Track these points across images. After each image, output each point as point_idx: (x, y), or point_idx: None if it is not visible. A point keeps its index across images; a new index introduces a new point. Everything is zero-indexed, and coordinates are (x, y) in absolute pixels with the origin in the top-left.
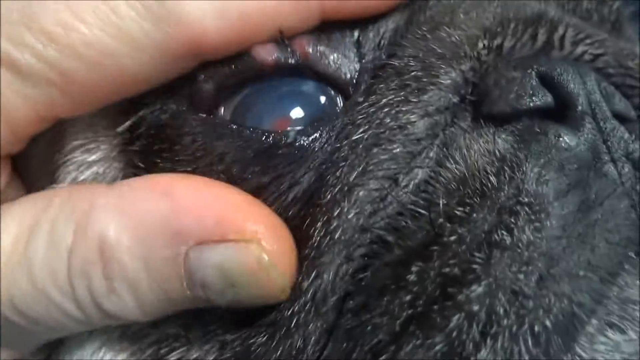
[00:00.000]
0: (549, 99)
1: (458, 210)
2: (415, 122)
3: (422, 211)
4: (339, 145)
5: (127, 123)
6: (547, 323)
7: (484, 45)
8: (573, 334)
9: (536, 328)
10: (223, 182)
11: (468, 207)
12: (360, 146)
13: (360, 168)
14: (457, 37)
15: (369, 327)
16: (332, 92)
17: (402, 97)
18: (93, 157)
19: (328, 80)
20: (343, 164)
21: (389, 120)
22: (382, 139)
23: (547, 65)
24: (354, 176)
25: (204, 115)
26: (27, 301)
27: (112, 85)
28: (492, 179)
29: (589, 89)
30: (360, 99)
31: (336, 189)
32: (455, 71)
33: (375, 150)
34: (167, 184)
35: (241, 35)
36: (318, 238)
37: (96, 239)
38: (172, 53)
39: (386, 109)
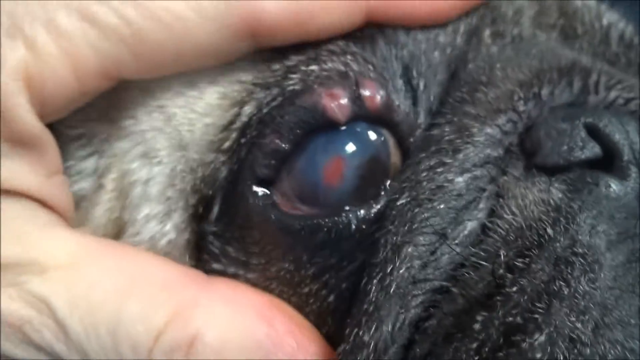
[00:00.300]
0: (597, 150)
1: (518, 262)
2: (453, 179)
3: (484, 263)
4: (388, 212)
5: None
6: None
7: (519, 97)
8: None
9: None
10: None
11: (527, 258)
12: (405, 209)
13: (406, 227)
14: (493, 95)
15: None
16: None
17: (437, 160)
18: (167, 227)
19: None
20: (391, 227)
21: (426, 183)
22: (423, 199)
23: (592, 116)
24: (400, 235)
25: (263, 205)
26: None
27: (177, 51)
28: (549, 230)
29: (632, 138)
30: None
31: (387, 249)
32: (491, 127)
33: (417, 210)
34: (268, 310)
35: (295, 20)
36: (375, 294)
37: (191, 334)
38: (233, 26)
39: (424, 174)
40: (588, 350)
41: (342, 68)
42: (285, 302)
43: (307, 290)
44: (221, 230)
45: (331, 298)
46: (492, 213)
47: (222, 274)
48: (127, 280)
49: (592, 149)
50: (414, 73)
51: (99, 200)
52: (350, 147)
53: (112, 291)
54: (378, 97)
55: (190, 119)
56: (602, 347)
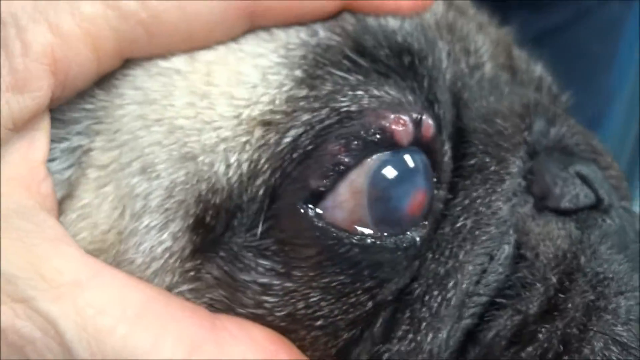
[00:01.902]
0: (593, 197)
1: (566, 284)
2: (501, 207)
3: (536, 283)
4: (442, 232)
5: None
6: None
7: (524, 128)
8: None
9: None
10: None
11: (573, 282)
12: (465, 231)
13: (468, 247)
14: (511, 129)
15: None
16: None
17: (490, 189)
18: (165, 236)
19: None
20: (451, 245)
21: (483, 209)
22: (481, 224)
23: (578, 165)
24: (462, 254)
25: (322, 224)
26: None
27: (188, 30)
28: (583, 258)
29: (604, 185)
30: (443, 193)
31: (449, 265)
32: (518, 159)
33: (477, 232)
34: (273, 345)
35: (287, 4)
36: (435, 305)
37: None
38: (235, 6)
39: (479, 200)
40: (635, 352)
41: (393, 97)
42: (323, 308)
43: (354, 300)
44: (252, 244)
45: (372, 307)
46: (522, 244)
47: (250, 282)
48: (136, 310)
49: (590, 197)
50: (435, 102)
51: (98, 207)
52: (426, 178)
53: (121, 318)
54: (431, 126)
55: (200, 131)
56: None
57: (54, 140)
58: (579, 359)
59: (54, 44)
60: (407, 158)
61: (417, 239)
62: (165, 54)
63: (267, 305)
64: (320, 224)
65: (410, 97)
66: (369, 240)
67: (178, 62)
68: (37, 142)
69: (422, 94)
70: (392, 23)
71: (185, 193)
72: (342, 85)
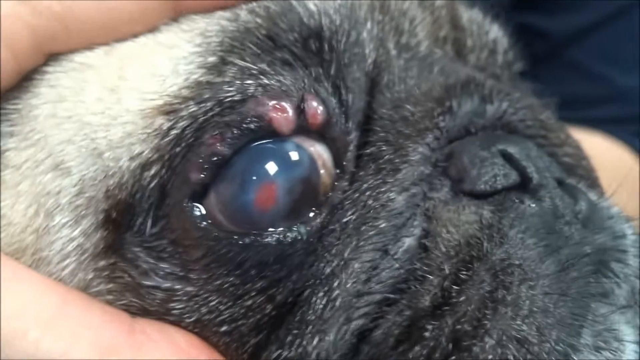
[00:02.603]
0: (516, 177)
1: (461, 274)
2: (394, 198)
3: (429, 276)
4: (332, 227)
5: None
6: None
7: (438, 113)
8: None
9: None
10: None
11: (470, 271)
12: (350, 226)
13: (353, 244)
14: (419, 114)
15: None
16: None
17: (381, 180)
18: (75, 233)
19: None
20: (337, 242)
21: (371, 202)
22: (368, 217)
23: (504, 143)
24: (348, 252)
25: (205, 224)
26: None
27: (105, 22)
28: (485, 244)
29: (537, 164)
30: (345, 184)
31: (334, 264)
32: (422, 146)
33: (363, 228)
34: (194, 349)
35: None
36: (321, 306)
37: None
38: None
39: (368, 192)
40: (536, 349)
41: (281, 82)
42: (223, 312)
43: (250, 303)
44: (149, 244)
45: (272, 310)
46: (427, 234)
47: (154, 288)
48: (50, 313)
49: (512, 177)
50: (342, 88)
51: (13, 207)
52: (287, 167)
53: (33, 322)
54: (320, 113)
55: (107, 126)
56: (548, 345)
57: None
58: (469, 358)
59: None
60: (268, 147)
61: (303, 234)
62: (85, 48)
63: (175, 312)
64: (202, 224)
65: (300, 84)
66: (247, 240)
67: (93, 57)
68: None
69: (327, 80)
70: (314, 4)
71: (95, 189)
72: (241, 74)
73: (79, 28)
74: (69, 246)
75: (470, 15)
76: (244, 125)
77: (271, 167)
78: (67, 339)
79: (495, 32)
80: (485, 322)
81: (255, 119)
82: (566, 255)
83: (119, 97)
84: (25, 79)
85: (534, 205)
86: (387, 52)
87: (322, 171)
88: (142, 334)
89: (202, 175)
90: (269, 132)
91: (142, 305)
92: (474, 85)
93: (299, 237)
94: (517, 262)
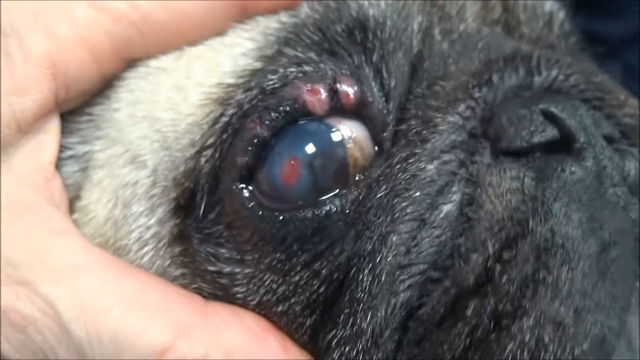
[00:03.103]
0: (555, 132)
1: (505, 253)
2: (424, 167)
3: (472, 253)
4: (369, 204)
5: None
6: (586, 347)
7: (473, 85)
8: (608, 353)
9: (576, 352)
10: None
11: (513, 250)
12: (385, 200)
13: (388, 218)
14: (450, 87)
15: (429, 355)
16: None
17: (409, 152)
18: (152, 221)
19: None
20: (374, 218)
21: (402, 174)
22: (400, 189)
23: (547, 102)
24: (384, 226)
25: (252, 204)
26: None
27: (178, 28)
28: (531, 221)
29: (584, 122)
30: (382, 161)
31: (374, 239)
32: (452, 115)
33: (396, 200)
34: (263, 331)
35: None
36: (367, 283)
37: (199, 354)
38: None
39: (398, 166)
40: (571, 331)
41: (320, 68)
42: (277, 291)
43: (297, 279)
44: (209, 230)
45: (319, 286)
46: (471, 201)
47: (218, 274)
48: (131, 295)
49: (551, 132)
50: (384, 73)
51: (97, 201)
52: (323, 144)
53: (115, 302)
54: (353, 93)
55: (174, 120)
56: (584, 328)
57: (61, 148)
58: (507, 337)
59: (51, 49)
60: (304, 126)
61: (337, 206)
62: (160, 53)
63: (239, 295)
64: (249, 204)
65: (337, 69)
66: (286, 215)
67: (166, 61)
68: (45, 144)
69: (369, 66)
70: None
71: (166, 179)
72: (288, 63)
73: (154, 34)
74: (147, 234)
75: None
76: (280, 108)
77: (294, 144)
78: (145, 318)
79: (551, 4)
80: (525, 302)
81: (290, 102)
82: (609, 231)
83: (185, 94)
84: (108, 86)
85: (576, 170)
86: (432, 38)
87: (349, 146)
88: (215, 316)
89: (246, 159)
90: (304, 113)
91: (210, 290)
92: (520, 58)
93: (333, 210)
94: (560, 242)
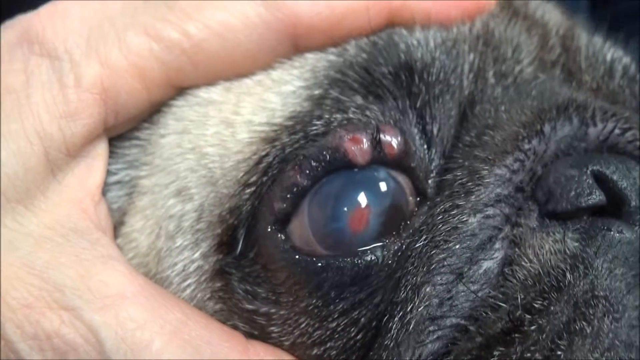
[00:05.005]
0: (602, 197)
1: (536, 303)
2: (466, 220)
3: (501, 304)
4: (409, 253)
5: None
6: None
7: (523, 137)
8: None
9: None
10: None
11: (546, 301)
12: (423, 250)
13: (425, 268)
14: (500, 138)
15: None
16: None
17: (451, 203)
18: (196, 255)
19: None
20: (411, 268)
21: (442, 226)
22: (439, 241)
23: (599, 163)
24: (420, 276)
25: (286, 248)
26: None
27: (229, 58)
28: (568, 275)
29: (638, 184)
30: (425, 210)
31: (408, 289)
32: (499, 168)
33: (434, 251)
34: None
35: (327, 23)
36: (396, 331)
37: None
38: (274, 31)
39: (440, 216)
40: None
41: (363, 116)
42: (312, 335)
43: (335, 325)
44: (248, 269)
45: (357, 333)
46: (510, 262)
47: (255, 312)
48: (174, 328)
49: (599, 196)
50: (428, 118)
51: (141, 230)
52: (374, 194)
53: (158, 334)
54: (396, 143)
55: (222, 156)
56: None
57: (107, 173)
58: None
59: (103, 75)
60: (352, 176)
61: (379, 257)
62: (209, 83)
63: (274, 335)
64: (284, 247)
65: (380, 116)
66: (322, 262)
67: (215, 92)
68: (94, 168)
69: (413, 111)
70: (416, 37)
71: (212, 215)
72: (334, 107)
73: (205, 63)
74: (190, 267)
75: (587, 38)
76: (321, 157)
77: (360, 195)
78: (187, 352)
79: (614, 53)
80: (559, 352)
81: (331, 150)
82: None
83: (233, 130)
84: (155, 112)
85: (625, 231)
86: (485, 81)
87: (406, 200)
88: (255, 355)
89: (283, 204)
90: (344, 162)
91: (246, 328)
92: (574, 107)
93: (375, 260)
94: (601, 294)
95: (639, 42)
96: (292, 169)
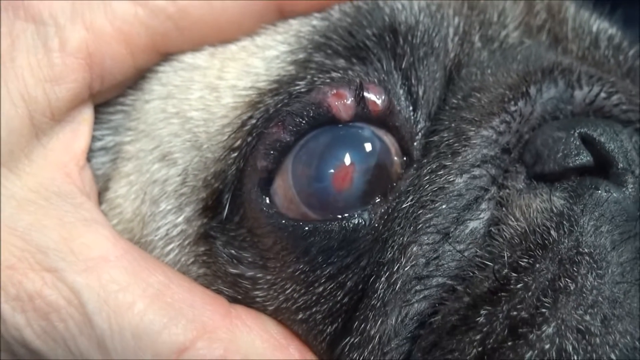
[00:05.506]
0: (590, 158)
1: (522, 261)
2: (453, 180)
3: (488, 263)
4: (395, 215)
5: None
6: (613, 357)
7: (509, 98)
8: None
9: None
10: None
11: (531, 259)
12: (410, 211)
13: (411, 228)
14: (486, 100)
15: None
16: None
17: (438, 164)
18: (179, 219)
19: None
20: (397, 228)
21: (429, 186)
22: (425, 201)
23: (587, 126)
24: (406, 236)
25: (272, 212)
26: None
27: (215, 24)
28: (553, 233)
29: (625, 147)
30: (412, 172)
31: (395, 249)
32: (486, 129)
33: (421, 211)
34: (284, 338)
35: None
36: (382, 291)
37: (217, 355)
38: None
39: (427, 177)
40: (597, 340)
41: (347, 75)
42: (298, 300)
43: (321, 290)
44: (234, 233)
45: (343, 297)
46: (497, 222)
47: (239, 277)
48: (156, 290)
49: (586, 157)
50: (413, 80)
51: (125, 195)
52: (358, 152)
53: (140, 296)
54: (380, 101)
55: (206, 121)
56: (612, 337)
57: (92, 139)
58: (524, 346)
59: (88, 40)
60: (336, 132)
61: (366, 220)
62: (195, 49)
63: (258, 299)
64: (269, 212)
65: (364, 75)
66: (309, 226)
67: (200, 58)
68: (79, 133)
69: (398, 72)
70: (401, 3)
71: (196, 179)
72: (317, 69)
73: (191, 29)
74: (174, 231)
75: (575, 9)
76: (304, 112)
77: (344, 152)
78: (168, 315)
79: (599, 22)
80: (544, 310)
81: (315, 106)
82: None
83: (218, 95)
84: (140, 78)
85: (613, 191)
86: (471, 45)
87: (391, 160)
88: (237, 319)
89: (266, 163)
90: (328, 118)
91: (230, 292)
92: (559, 71)
93: (362, 223)
94: (586, 250)
95: (639, 25)
96: (275, 126)
